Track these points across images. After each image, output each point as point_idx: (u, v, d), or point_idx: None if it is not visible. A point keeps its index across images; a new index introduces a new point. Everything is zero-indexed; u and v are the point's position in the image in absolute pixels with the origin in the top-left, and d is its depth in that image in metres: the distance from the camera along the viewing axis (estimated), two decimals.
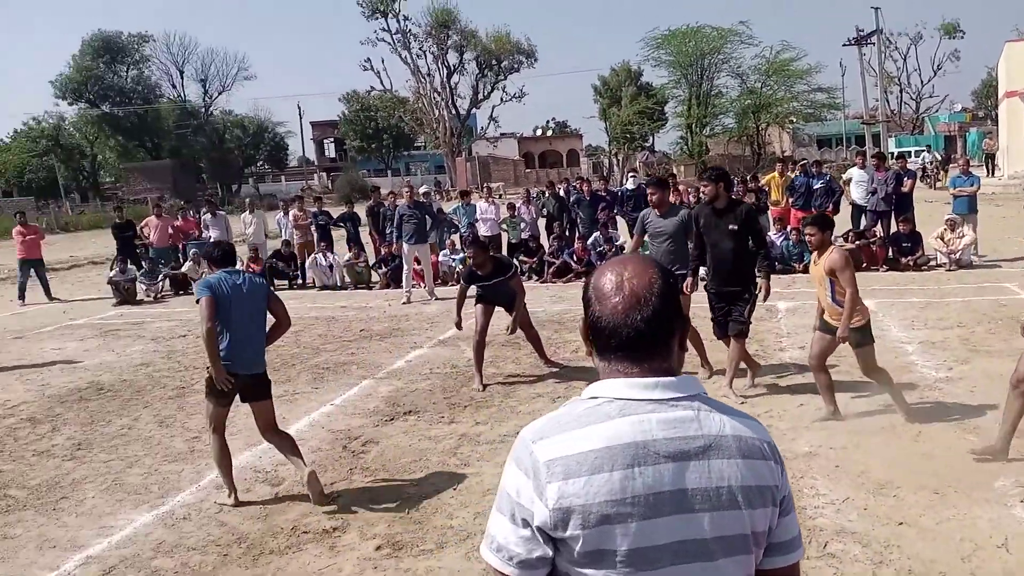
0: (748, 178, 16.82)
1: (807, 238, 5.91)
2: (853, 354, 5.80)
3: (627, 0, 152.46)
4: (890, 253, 12.87)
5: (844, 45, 42.45)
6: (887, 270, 12.55)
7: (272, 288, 6.08)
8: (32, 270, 15.53)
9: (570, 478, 1.35)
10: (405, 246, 12.88)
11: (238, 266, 5.49)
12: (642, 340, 1.43)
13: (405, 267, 13.18)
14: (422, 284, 13.37)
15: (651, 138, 59.97)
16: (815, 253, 5.76)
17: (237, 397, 5.07)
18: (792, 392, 6.55)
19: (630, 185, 15.82)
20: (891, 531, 4.09)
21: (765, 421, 5.77)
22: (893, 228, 13.24)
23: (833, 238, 11.92)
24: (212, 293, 4.85)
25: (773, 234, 13.44)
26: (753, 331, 8.69)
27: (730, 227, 6.34)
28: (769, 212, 14.21)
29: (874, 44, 40.69)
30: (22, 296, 15.48)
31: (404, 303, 12.67)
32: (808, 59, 56.54)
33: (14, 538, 4.75)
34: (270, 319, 5.21)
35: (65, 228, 39.43)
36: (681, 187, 16.26)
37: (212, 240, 15.88)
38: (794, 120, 50.53)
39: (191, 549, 4.44)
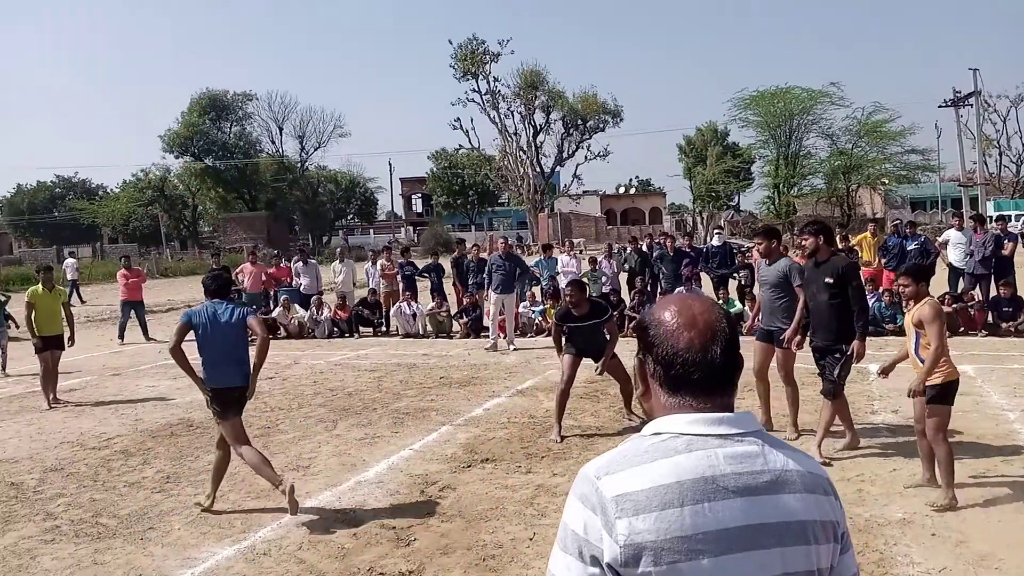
0: (839, 237, 16.41)
1: (900, 288, 5.70)
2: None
3: (713, 61, 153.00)
4: (990, 318, 12.31)
5: (940, 107, 41.48)
6: (987, 335, 11.99)
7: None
8: (133, 311, 16.30)
9: (640, 513, 1.33)
10: (493, 295, 13.16)
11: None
12: (718, 374, 1.43)
13: (492, 313, 13.37)
14: (502, 334, 13.44)
15: (736, 197, 59.49)
16: (910, 303, 5.54)
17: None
18: (884, 456, 6.27)
19: (715, 242, 15.66)
20: None
21: (855, 485, 5.56)
22: (992, 292, 12.69)
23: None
24: (187, 320, 5.82)
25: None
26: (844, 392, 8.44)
27: (826, 280, 6.22)
28: (860, 272, 13.79)
29: (972, 106, 39.55)
30: (122, 335, 16.25)
31: (488, 348, 12.90)
32: (902, 120, 55.43)
33: (103, 564, 4.91)
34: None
35: (164, 273, 41.38)
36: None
37: (302, 286, 16.46)
38: (886, 182, 49.30)
39: None
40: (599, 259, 16.04)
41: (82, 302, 26.24)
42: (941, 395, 5.12)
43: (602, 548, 1.34)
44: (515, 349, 12.84)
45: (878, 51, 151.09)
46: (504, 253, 13.53)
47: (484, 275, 15.51)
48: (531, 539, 4.96)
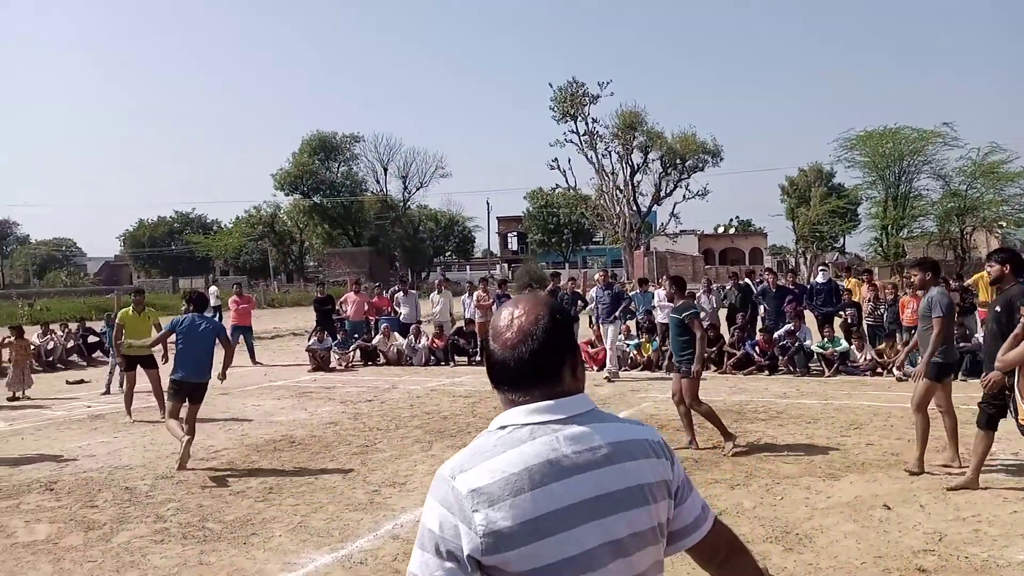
0: (953, 277, 15.70)
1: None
2: None
3: (818, 100, 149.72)
4: None
5: None
6: None
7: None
8: (242, 336, 17.01)
9: (494, 504, 1.42)
10: (602, 326, 13.79)
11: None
12: (528, 370, 1.54)
13: (608, 345, 13.56)
14: (594, 366, 13.44)
15: (841, 239, 57.58)
16: None
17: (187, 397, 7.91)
18: (1004, 499, 5.89)
19: (820, 279, 15.18)
20: None
21: (972, 525, 5.26)
22: None
23: None
24: (171, 326, 8.24)
25: (980, 336, 12.37)
26: (961, 433, 8.02)
27: (996, 308, 6.16)
28: (977, 312, 13.13)
29: None
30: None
31: (607, 377, 13.22)
32: (1021, 161, 52.74)
33: (208, 564, 5.10)
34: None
35: (271, 304, 43.05)
36: (878, 283, 15.38)
37: (402, 316, 16.81)
38: (1004, 224, 46.78)
39: None
40: (698, 293, 15.80)
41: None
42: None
43: (460, 543, 1.42)
44: (618, 380, 12.98)
45: (994, 89, 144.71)
46: (604, 283, 13.75)
47: (577, 308, 15.59)
48: None
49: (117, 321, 11.02)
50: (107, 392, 13.30)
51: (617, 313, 13.55)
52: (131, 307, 11.03)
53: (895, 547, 4.99)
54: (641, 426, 1.63)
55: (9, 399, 12.76)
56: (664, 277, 13.60)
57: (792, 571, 4.65)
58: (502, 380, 1.58)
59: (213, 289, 29.68)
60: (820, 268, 16.71)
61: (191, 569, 5.01)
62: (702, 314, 14.92)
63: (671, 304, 8.63)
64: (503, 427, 1.53)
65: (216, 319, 12.43)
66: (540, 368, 1.55)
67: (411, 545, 4.54)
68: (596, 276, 16.98)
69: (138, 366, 10.73)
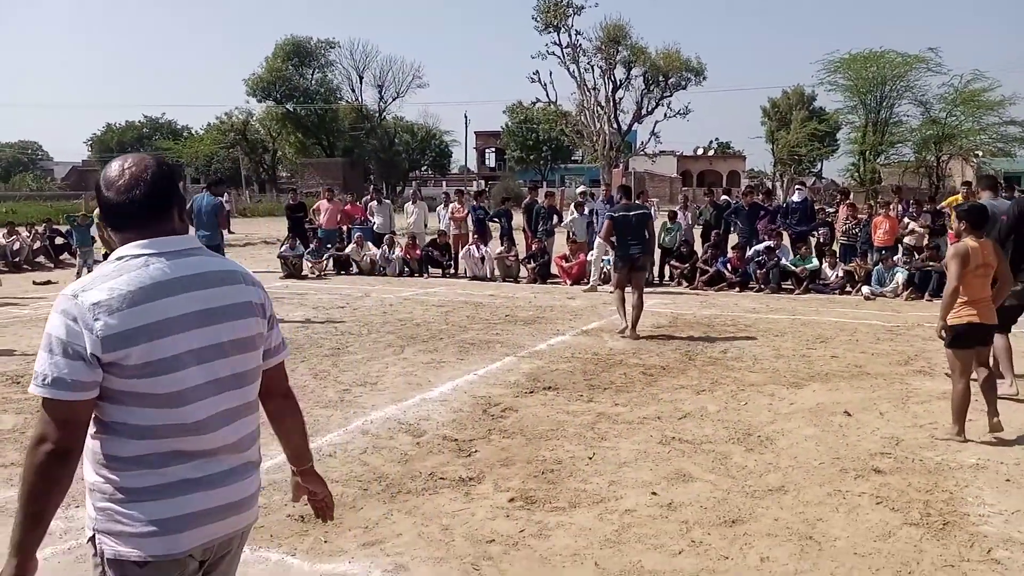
0: (926, 200, 15.82)
1: (955, 227, 5.58)
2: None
3: (804, 22, 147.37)
4: None
5: None
6: None
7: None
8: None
9: (112, 313, 1.73)
10: (599, 239, 13.41)
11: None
12: (142, 210, 1.83)
13: (596, 256, 13.72)
14: (567, 280, 13.50)
15: (819, 164, 57.63)
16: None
17: None
18: None
19: (796, 197, 15.16)
20: None
21: (928, 432, 5.42)
22: None
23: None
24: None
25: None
26: (921, 350, 8.22)
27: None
28: (948, 236, 13.27)
29: None
30: None
31: (587, 289, 13.52)
32: (1002, 90, 52.54)
33: None
34: None
35: (243, 214, 42.49)
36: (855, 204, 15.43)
37: (375, 225, 16.66)
38: (980, 154, 46.96)
39: (334, 481, 4.62)
40: (676, 210, 15.81)
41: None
42: (955, 339, 5.26)
43: (84, 344, 1.71)
44: (611, 292, 13.05)
45: (981, 16, 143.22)
46: (606, 198, 13.61)
47: (553, 222, 15.52)
48: (590, 458, 4.97)
49: (98, 221, 10.87)
50: None
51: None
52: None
53: (853, 450, 5.13)
54: (238, 265, 2.02)
55: None
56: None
57: (752, 469, 4.77)
58: (119, 222, 1.86)
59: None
60: (796, 187, 16.69)
61: None
62: (679, 231, 15.10)
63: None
64: (121, 257, 1.82)
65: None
66: (152, 207, 1.83)
67: (381, 440, 4.60)
68: (578, 191, 16.95)
69: None
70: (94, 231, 12.11)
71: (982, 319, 5.26)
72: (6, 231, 18.05)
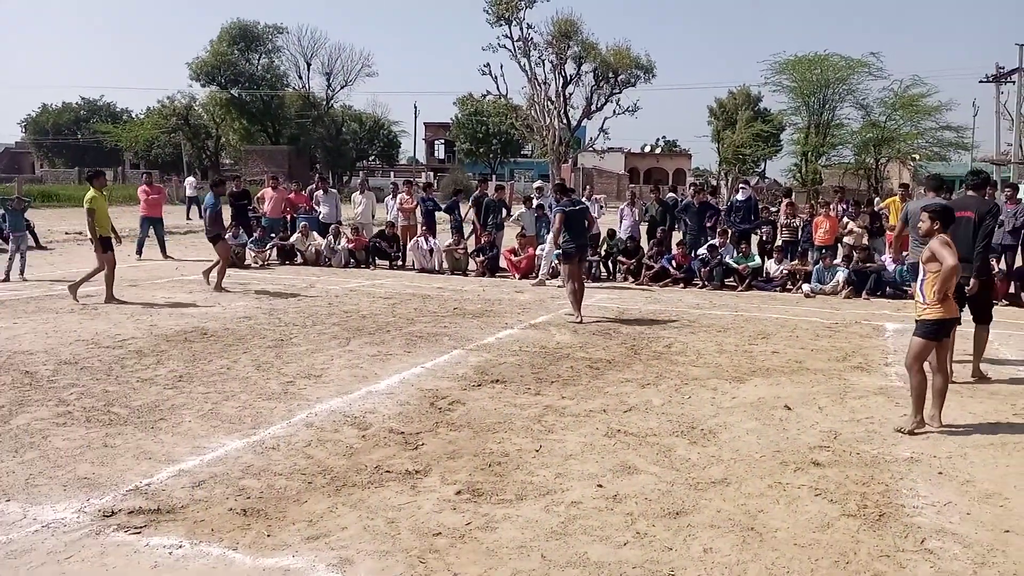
0: (864, 202, 16.22)
1: (920, 225, 5.71)
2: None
3: (751, 23, 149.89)
4: (1012, 288, 12.15)
5: (981, 81, 40.54)
6: (1007, 304, 11.83)
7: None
8: (152, 228, 16.38)
9: None
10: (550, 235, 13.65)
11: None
12: None
13: (548, 250, 13.59)
14: (516, 274, 13.50)
15: (763, 164, 58.73)
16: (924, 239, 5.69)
17: None
18: (896, 404, 6.23)
19: (740, 196, 15.43)
20: (996, 536, 3.84)
21: (866, 426, 5.57)
22: (1018, 263, 12.52)
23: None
24: None
25: (888, 258, 12.90)
26: (858, 346, 8.44)
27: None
28: (885, 236, 13.65)
29: (1015, 83, 38.60)
30: (140, 251, 16.39)
31: (534, 283, 13.51)
32: (939, 96, 54.23)
33: (114, 447, 4.98)
34: None
35: (183, 201, 41.42)
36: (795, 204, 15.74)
37: (321, 215, 16.41)
38: (917, 157, 48.43)
39: (278, 475, 4.55)
40: (621, 206, 15.94)
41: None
42: (931, 331, 5.48)
43: None
44: (560, 287, 13.05)
45: (922, 22, 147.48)
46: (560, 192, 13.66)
47: (502, 216, 15.49)
48: (537, 451, 4.98)
49: (88, 206, 10.80)
50: (6, 279, 12.69)
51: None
52: (94, 189, 10.89)
53: (793, 443, 5.24)
54: None
55: None
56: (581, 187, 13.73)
57: (695, 462, 4.84)
58: None
59: (191, 180, 32.39)
60: (740, 186, 16.97)
61: (95, 451, 4.88)
62: (625, 224, 15.23)
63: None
64: None
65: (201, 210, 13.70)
66: None
67: (326, 432, 4.55)
68: (535, 186, 17.00)
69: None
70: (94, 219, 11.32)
71: (949, 315, 5.50)
72: None
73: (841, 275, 12.82)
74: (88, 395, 6.11)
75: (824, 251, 13.60)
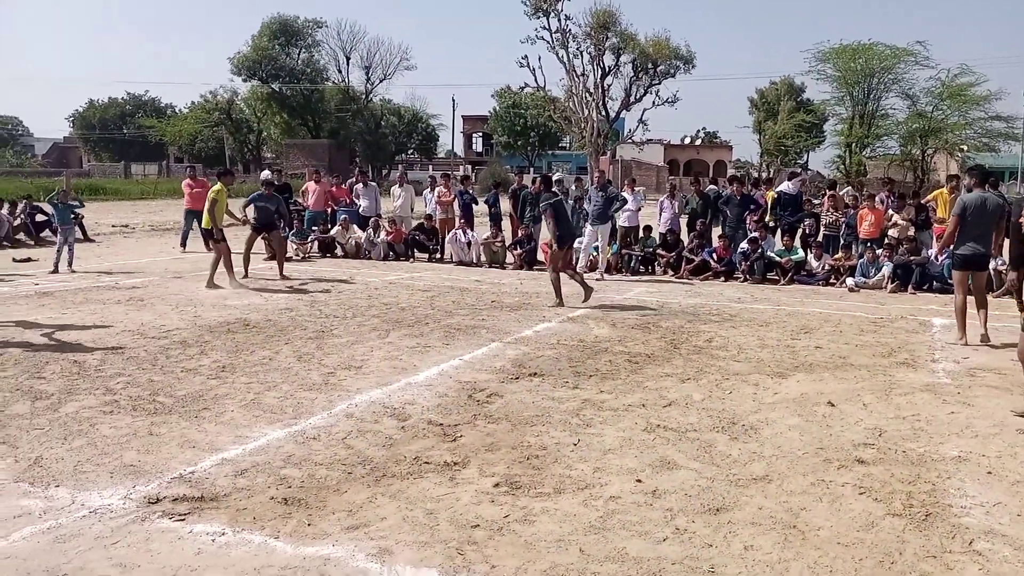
0: (910, 194, 15.85)
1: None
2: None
3: (792, 13, 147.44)
4: None
5: None
6: None
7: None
8: (196, 220, 16.61)
9: None
10: (588, 226, 13.58)
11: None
12: None
13: (586, 243, 13.67)
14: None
15: (806, 155, 57.84)
16: None
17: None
18: (944, 401, 6.10)
19: (789, 188, 15.06)
20: None
21: (911, 424, 5.47)
22: None
23: (1003, 265, 11.11)
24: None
25: (933, 253, 12.62)
26: (904, 342, 8.28)
27: None
28: (932, 229, 13.35)
29: None
30: (184, 243, 16.66)
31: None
32: (988, 85, 52.91)
33: (159, 436, 5.07)
34: None
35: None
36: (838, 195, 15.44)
37: (361, 208, 16.54)
38: (965, 148, 47.28)
39: (318, 464, 4.60)
40: (661, 199, 15.81)
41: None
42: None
43: None
44: (599, 280, 12.98)
45: (970, 9, 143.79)
46: (599, 185, 13.56)
47: (540, 208, 15.43)
48: (575, 444, 4.97)
49: (214, 197, 11.86)
50: (55, 271, 13.01)
51: (611, 212, 13.44)
52: (222, 185, 12.14)
53: (836, 440, 5.15)
54: None
55: None
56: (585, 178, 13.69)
57: (736, 458, 4.78)
58: None
59: (266, 174, 33.01)
60: (790, 178, 16.51)
61: (141, 439, 4.98)
62: (665, 216, 15.08)
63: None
64: None
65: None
66: None
67: (366, 423, 4.58)
68: (554, 178, 16.84)
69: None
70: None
71: None
72: None
73: (887, 269, 12.57)
74: (134, 384, 6.23)
75: (869, 244, 13.33)
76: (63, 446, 4.82)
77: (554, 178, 18.21)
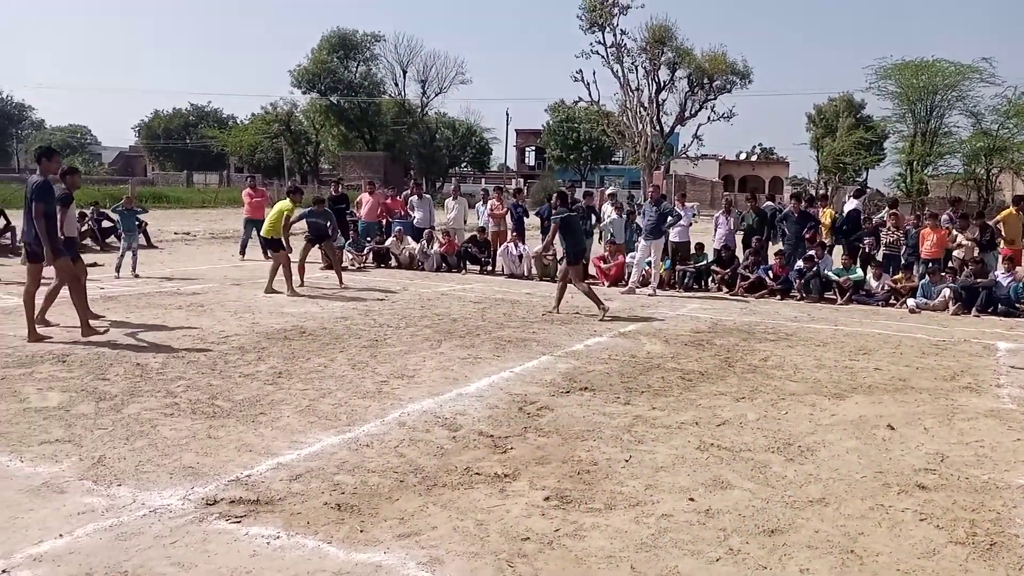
0: (974, 214, 15.40)
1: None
2: None
3: (851, 29, 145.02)
4: None
5: None
6: None
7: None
8: (254, 229, 16.98)
9: None
10: (642, 241, 13.51)
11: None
12: None
13: (639, 258, 13.61)
14: (605, 282, 13.41)
15: (865, 173, 56.65)
16: None
17: None
18: (1009, 427, 5.90)
19: (852, 206, 14.71)
20: None
21: (975, 449, 5.32)
22: None
23: None
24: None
25: (1000, 275, 12.23)
26: (967, 366, 8.04)
27: None
28: (999, 250, 12.96)
29: None
30: (243, 251, 17.03)
31: (624, 291, 13.32)
32: None
33: (217, 439, 5.17)
34: None
35: None
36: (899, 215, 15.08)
37: (415, 220, 16.71)
38: None
39: (371, 471, 4.64)
40: (716, 215, 15.64)
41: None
42: None
43: None
44: (651, 295, 12.93)
45: None
46: (653, 200, 13.51)
47: (591, 223, 15.43)
48: (627, 460, 4.93)
49: (285, 212, 12.33)
50: (117, 276, 13.42)
51: (664, 227, 13.35)
52: (294, 203, 12.62)
53: (896, 464, 5.02)
54: None
55: None
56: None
57: (792, 479, 4.69)
58: None
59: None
60: (852, 196, 16.09)
61: (199, 441, 5.09)
62: (720, 233, 14.89)
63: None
64: None
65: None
66: None
67: (418, 432, 4.62)
68: (607, 192, 16.79)
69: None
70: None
71: None
72: None
73: (949, 290, 12.23)
74: (194, 388, 6.38)
75: (931, 264, 12.99)
76: (125, 446, 4.96)
77: (607, 192, 18.24)
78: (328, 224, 13.57)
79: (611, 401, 6.34)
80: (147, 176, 75.32)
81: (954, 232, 13.50)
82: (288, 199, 12.77)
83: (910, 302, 12.36)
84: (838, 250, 14.27)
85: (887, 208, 15.26)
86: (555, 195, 12.19)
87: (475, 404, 6.11)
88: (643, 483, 4.57)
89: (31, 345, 7.76)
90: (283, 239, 12.24)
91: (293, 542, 3.70)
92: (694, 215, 17.00)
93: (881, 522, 4.11)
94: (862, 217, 14.54)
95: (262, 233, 13.06)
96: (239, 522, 3.90)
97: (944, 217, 14.17)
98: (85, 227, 18.84)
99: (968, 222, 13.85)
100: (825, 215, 14.86)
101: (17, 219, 11.94)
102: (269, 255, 13.25)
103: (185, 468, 4.60)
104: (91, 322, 8.49)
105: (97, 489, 4.26)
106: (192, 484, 4.35)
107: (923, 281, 12.63)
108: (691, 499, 4.34)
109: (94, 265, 15.25)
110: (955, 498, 4.46)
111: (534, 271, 15.37)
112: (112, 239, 18.82)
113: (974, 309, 11.93)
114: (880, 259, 13.66)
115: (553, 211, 11.70)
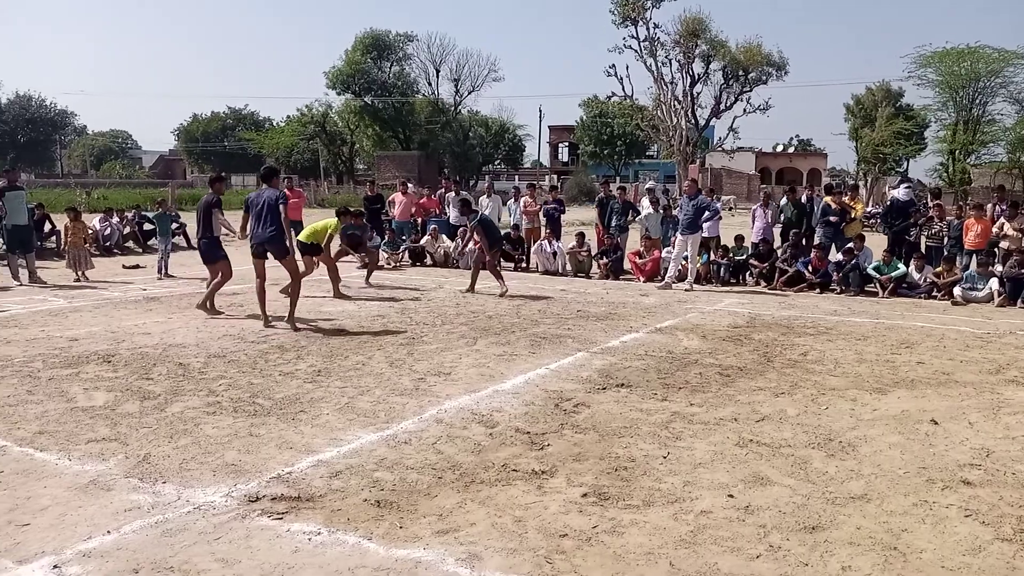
0: (1022, 203, 15.01)
1: None
2: None
3: (888, 17, 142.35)
4: None
5: None
6: None
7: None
8: (292, 230, 17.17)
9: None
10: (679, 236, 13.41)
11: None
12: None
13: (676, 253, 13.49)
14: (640, 277, 13.36)
15: (905, 163, 55.62)
16: None
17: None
18: None
19: (901, 195, 14.45)
20: None
21: (1021, 444, 5.19)
22: None
23: None
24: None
25: None
26: (1013, 359, 7.88)
27: None
28: None
29: None
30: None
31: (660, 287, 13.28)
32: None
33: (258, 437, 5.25)
34: None
35: (321, 204, 43.44)
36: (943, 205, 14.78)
37: (450, 218, 16.77)
38: None
39: (409, 468, 4.68)
40: (754, 207, 15.48)
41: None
42: None
43: None
44: (687, 291, 12.89)
45: None
46: (690, 194, 13.42)
47: (627, 218, 15.36)
48: (664, 457, 4.91)
49: (329, 230, 12.07)
50: (160, 277, 13.67)
51: (701, 222, 13.24)
52: (338, 219, 12.44)
53: (940, 460, 4.93)
54: None
55: (75, 280, 13.20)
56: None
57: (833, 476, 4.63)
58: None
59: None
60: (904, 185, 15.63)
61: (241, 439, 5.17)
62: (758, 226, 14.71)
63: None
64: None
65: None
66: None
67: (455, 429, 4.64)
68: (646, 187, 16.68)
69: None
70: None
71: None
72: (101, 216, 18.89)
73: (994, 281, 11.96)
74: (235, 387, 6.48)
75: (976, 255, 12.70)
76: (169, 444, 5.05)
77: (646, 186, 18.14)
78: (363, 235, 13.66)
79: (648, 397, 6.31)
80: (186, 179, 76.54)
81: (1001, 220, 13.17)
82: (337, 219, 12.55)
83: (956, 291, 12.08)
84: (879, 240, 14.03)
85: (930, 198, 14.94)
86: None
87: (511, 401, 6.13)
88: (681, 480, 4.55)
89: (77, 346, 7.95)
90: (325, 249, 12.01)
91: (334, 538, 3.75)
92: (730, 209, 16.80)
93: (925, 519, 4.04)
94: (915, 207, 14.15)
95: (299, 237, 12.91)
96: (281, 519, 3.96)
97: (989, 206, 13.84)
98: (127, 229, 19.25)
99: (1016, 211, 13.50)
100: (857, 206, 14.56)
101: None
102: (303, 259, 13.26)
103: (227, 466, 4.68)
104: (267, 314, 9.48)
105: (143, 486, 4.35)
106: (235, 481, 4.43)
107: (968, 272, 12.36)
108: (730, 495, 4.31)
109: (136, 267, 15.58)
110: (1001, 494, 4.37)
111: (568, 267, 15.34)
112: (153, 241, 19.19)
113: (1020, 300, 11.66)
114: (920, 253, 13.39)
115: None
